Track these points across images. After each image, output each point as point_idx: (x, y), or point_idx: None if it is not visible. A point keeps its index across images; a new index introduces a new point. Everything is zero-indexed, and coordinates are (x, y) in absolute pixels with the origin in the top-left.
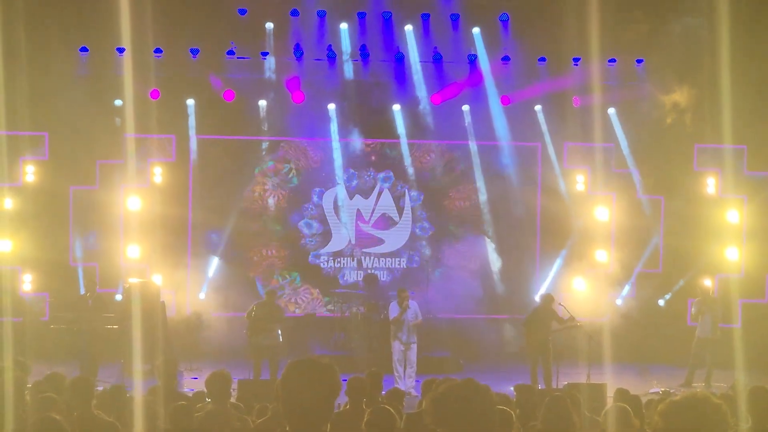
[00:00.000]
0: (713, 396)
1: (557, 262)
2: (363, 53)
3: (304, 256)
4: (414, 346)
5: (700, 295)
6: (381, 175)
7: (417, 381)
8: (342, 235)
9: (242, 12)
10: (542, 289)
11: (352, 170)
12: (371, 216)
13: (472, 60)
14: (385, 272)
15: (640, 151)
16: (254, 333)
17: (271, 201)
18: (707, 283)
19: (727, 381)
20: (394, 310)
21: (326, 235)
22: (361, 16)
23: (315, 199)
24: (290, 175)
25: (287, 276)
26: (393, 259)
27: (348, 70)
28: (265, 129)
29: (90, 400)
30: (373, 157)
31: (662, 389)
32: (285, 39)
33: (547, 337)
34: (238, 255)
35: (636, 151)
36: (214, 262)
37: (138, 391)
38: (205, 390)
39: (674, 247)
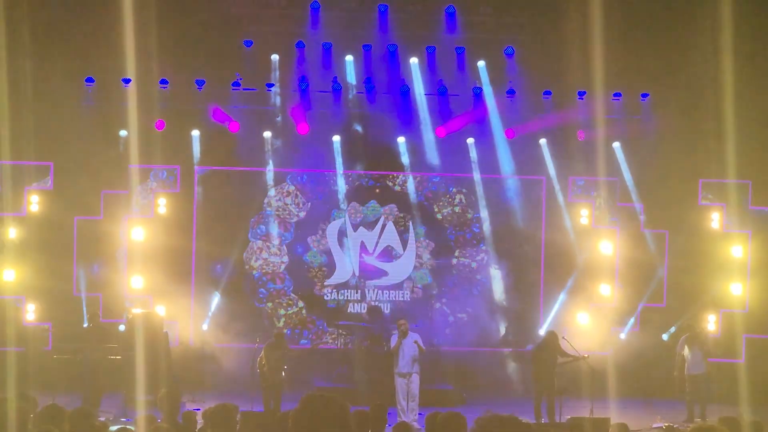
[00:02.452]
0: (721, 427)
1: (561, 296)
2: (368, 86)
3: (309, 288)
4: (415, 377)
5: (688, 330)
6: (385, 206)
7: (420, 414)
8: (346, 267)
9: (248, 44)
10: (546, 323)
11: (356, 202)
12: (375, 248)
13: (477, 93)
14: (388, 304)
15: (645, 186)
16: (271, 374)
17: (274, 232)
18: (711, 318)
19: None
20: (393, 342)
21: (330, 267)
22: (367, 48)
23: (319, 230)
24: (294, 207)
25: (293, 306)
26: (396, 291)
27: (353, 102)
28: (270, 160)
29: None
30: (377, 189)
31: (666, 424)
32: (290, 71)
33: (553, 370)
34: (243, 287)
35: (640, 185)
36: (216, 299)
37: (140, 423)
38: (204, 422)
39: (678, 281)
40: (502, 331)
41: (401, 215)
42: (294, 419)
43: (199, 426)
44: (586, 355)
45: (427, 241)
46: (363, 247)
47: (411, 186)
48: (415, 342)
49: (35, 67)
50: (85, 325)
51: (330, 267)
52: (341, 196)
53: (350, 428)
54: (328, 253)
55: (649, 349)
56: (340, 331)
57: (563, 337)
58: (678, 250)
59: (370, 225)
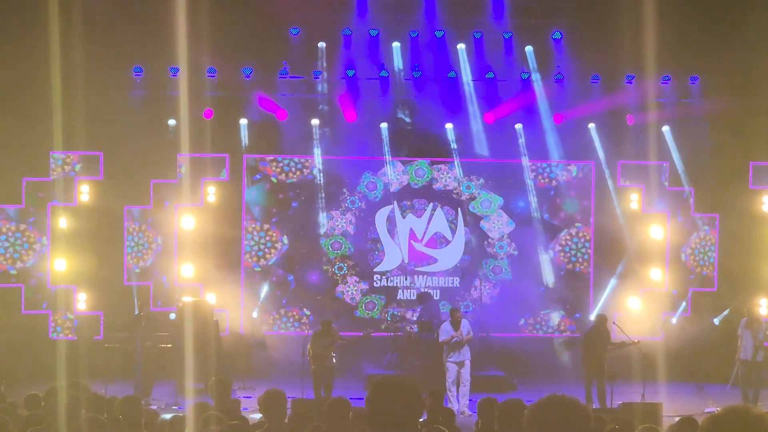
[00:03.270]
0: (755, 408)
1: (612, 281)
2: (415, 72)
3: (357, 274)
4: (467, 363)
5: (747, 314)
6: (434, 193)
7: (471, 400)
8: (395, 254)
9: (295, 32)
10: (597, 308)
11: (404, 188)
12: (424, 235)
13: (525, 78)
14: (438, 291)
15: (695, 169)
16: (317, 362)
17: (323, 219)
18: (763, 302)
19: None
20: (446, 331)
21: (379, 254)
22: (414, 35)
23: (369, 218)
24: (342, 194)
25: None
26: (446, 277)
27: (400, 89)
28: (317, 148)
29: (139, 420)
30: (425, 176)
31: (718, 409)
32: (337, 58)
33: (603, 356)
34: (292, 273)
35: (690, 169)
36: (266, 286)
37: (191, 411)
38: (258, 409)
39: (729, 265)
40: (556, 321)
41: (449, 201)
42: (369, 402)
43: (247, 412)
44: (636, 341)
45: (477, 227)
46: (412, 234)
47: (459, 172)
48: (467, 336)
49: (85, 58)
50: (136, 314)
51: (378, 254)
52: (389, 182)
53: (422, 410)
54: (376, 240)
55: (701, 333)
56: (389, 318)
57: (613, 322)
58: (729, 233)
59: (419, 212)
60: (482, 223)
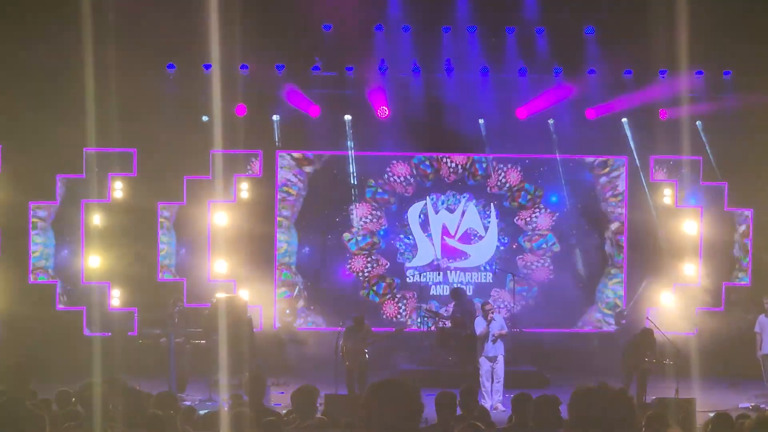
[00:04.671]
0: None
1: (645, 276)
2: (447, 67)
3: (389, 270)
4: (501, 359)
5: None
6: (466, 189)
7: (505, 396)
8: (427, 250)
9: (327, 28)
10: (630, 304)
11: (436, 184)
12: (456, 230)
13: (558, 73)
14: (471, 287)
15: (729, 164)
16: (350, 357)
17: (354, 215)
18: None
19: None
20: (479, 325)
21: (412, 250)
22: (446, 30)
23: (401, 214)
24: (375, 190)
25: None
26: (479, 273)
27: (432, 84)
28: (350, 143)
29: (175, 416)
30: (458, 171)
31: (752, 404)
32: (370, 54)
33: (641, 365)
34: (324, 269)
35: (724, 163)
36: (299, 282)
37: (225, 407)
38: (291, 405)
39: (763, 260)
40: (592, 316)
41: (482, 197)
42: (364, 407)
43: (280, 408)
44: (670, 362)
45: (509, 222)
46: (445, 230)
47: (492, 167)
48: (499, 331)
49: (118, 55)
50: (169, 311)
51: (411, 250)
52: (421, 178)
53: (419, 410)
54: (409, 235)
55: (734, 328)
56: (422, 314)
57: (647, 317)
58: (763, 228)
59: (452, 207)
60: (531, 215)
